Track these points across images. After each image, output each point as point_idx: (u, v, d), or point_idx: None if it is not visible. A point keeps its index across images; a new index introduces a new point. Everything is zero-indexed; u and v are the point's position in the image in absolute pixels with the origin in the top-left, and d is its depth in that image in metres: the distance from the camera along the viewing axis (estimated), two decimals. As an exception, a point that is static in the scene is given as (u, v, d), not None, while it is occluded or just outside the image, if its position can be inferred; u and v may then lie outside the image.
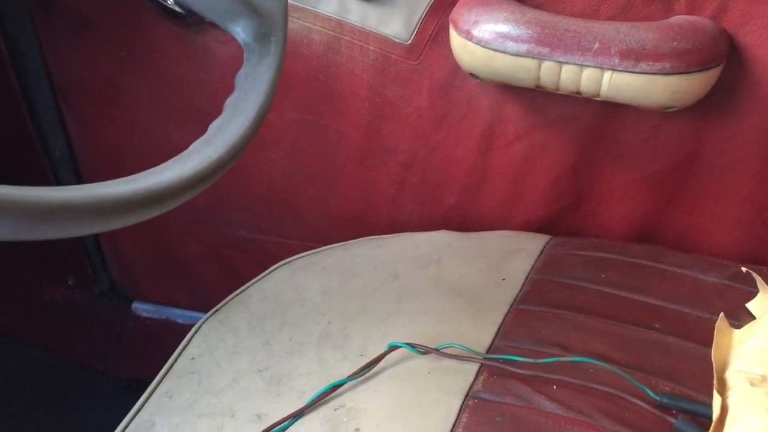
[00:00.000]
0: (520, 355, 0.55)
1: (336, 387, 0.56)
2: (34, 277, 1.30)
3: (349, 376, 0.56)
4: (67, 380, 1.30)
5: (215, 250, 1.16)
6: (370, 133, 0.91)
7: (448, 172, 0.91)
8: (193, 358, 0.65)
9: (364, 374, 0.56)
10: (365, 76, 0.87)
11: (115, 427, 1.20)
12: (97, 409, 1.26)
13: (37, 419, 1.24)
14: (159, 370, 1.32)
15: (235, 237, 1.13)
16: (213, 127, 0.43)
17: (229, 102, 0.46)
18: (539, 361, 0.54)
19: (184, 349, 0.66)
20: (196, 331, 0.68)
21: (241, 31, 0.47)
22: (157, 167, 0.39)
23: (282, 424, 0.54)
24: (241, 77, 0.48)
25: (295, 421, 0.54)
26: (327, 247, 0.82)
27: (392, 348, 0.57)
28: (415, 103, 0.87)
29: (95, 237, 1.25)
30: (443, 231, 0.83)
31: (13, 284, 1.31)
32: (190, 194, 0.39)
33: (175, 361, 0.65)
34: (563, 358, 0.54)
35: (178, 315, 1.26)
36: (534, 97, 0.81)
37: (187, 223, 1.15)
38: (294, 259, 0.79)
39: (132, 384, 1.29)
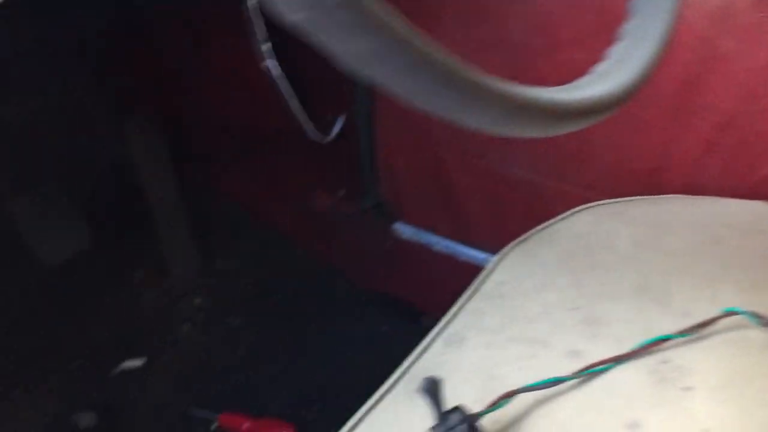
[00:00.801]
0: None
1: (662, 341, 0.53)
2: (310, 184, 1.40)
3: (677, 333, 0.53)
4: (327, 283, 1.40)
5: (486, 185, 1.17)
6: (687, 86, 0.85)
7: (768, 138, 0.83)
8: (499, 283, 0.66)
9: (694, 334, 0.54)
10: (699, 25, 0.80)
11: (364, 338, 1.28)
12: (349, 316, 1.35)
13: (295, 313, 1.35)
14: (412, 290, 1.37)
15: (509, 175, 1.13)
16: (620, 51, 0.42)
17: (628, 28, 0.44)
18: None
19: (490, 273, 0.67)
20: (501, 258, 0.69)
21: None
22: (579, 82, 0.39)
23: (603, 366, 0.52)
24: (638, 4, 0.45)
25: (616, 365, 0.53)
26: (631, 198, 0.79)
27: (728, 313, 0.53)
28: (751, 60, 0.80)
29: (371, 154, 1.31)
30: (762, 202, 0.76)
31: (290, 188, 1.43)
32: (605, 114, 0.38)
33: (482, 283, 0.66)
34: None
35: (436, 242, 1.30)
36: None
37: (465, 154, 1.16)
38: (597, 205, 0.76)
39: (385, 299, 1.36)
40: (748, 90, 0.81)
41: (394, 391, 0.57)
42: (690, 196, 0.78)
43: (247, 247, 1.46)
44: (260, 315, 1.34)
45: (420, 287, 1.34)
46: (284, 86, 1.20)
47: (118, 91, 1.33)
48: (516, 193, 1.14)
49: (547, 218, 1.14)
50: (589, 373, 0.52)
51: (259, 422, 1.11)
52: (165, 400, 1.17)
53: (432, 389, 0.46)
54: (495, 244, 1.23)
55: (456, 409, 0.48)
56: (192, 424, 1.12)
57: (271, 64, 1.19)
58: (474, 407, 0.50)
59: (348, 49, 0.25)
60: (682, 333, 0.53)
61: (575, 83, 0.39)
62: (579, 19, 0.92)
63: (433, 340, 0.60)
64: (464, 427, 0.46)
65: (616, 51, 0.43)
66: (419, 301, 1.35)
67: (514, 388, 0.51)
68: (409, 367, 0.58)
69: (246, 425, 1.11)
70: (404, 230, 1.34)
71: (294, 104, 1.20)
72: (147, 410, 1.16)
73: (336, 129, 1.23)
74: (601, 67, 0.41)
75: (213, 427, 1.12)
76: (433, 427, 0.47)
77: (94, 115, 1.31)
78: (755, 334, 0.53)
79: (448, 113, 0.30)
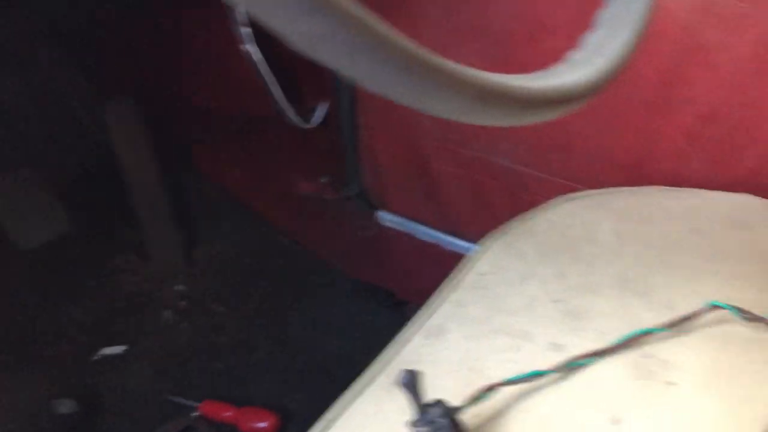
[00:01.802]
0: None
1: (645, 335, 0.53)
2: (294, 170, 1.39)
3: (660, 326, 0.53)
4: (309, 271, 1.39)
5: (470, 174, 1.17)
6: (671, 77, 0.85)
7: (756, 131, 0.83)
8: (482, 275, 0.65)
9: (677, 328, 0.54)
10: (682, 14, 0.80)
11: (347, 326, 1.27)
12: (331, 304, 1.35)
13: (277, 300, 1.35)
14: (395, 279, 1.37)
15: (493, 164, 1.12)
16: (595, 38, 0.42)
17: (606, 15, 0.44)
18: None
19: (472, 264, 0.67)
20: (483, 249, 0.69)
21: None
22: (552, 71, 0.38)
23: (584, 359, 0.52)
24: None
25: (598, 359, 0.53)
26: (612, 189, 0.79)
27: (713, 308, 0.53)
28: (734, 52, 0.79)
29: (354, 141, 1.30)
30: (747, 195, 0.76)
31: (273, 174, 1.41)
32: (579, 103, 0.38)
33: (464, 274, 0.66)
34: None
35: (421, 231, 1.29)
36: None
37: (448, 143, 1.15)
38: (578, 196, 0.76)
39: (367, 287, 1.35)
40: (731, 82, 0.81)
41: (374, 384, 0.57)
42: (672, 188, 0.78)
43: (230, 233, 1.45)
44: (243, 302, 1.33)
45: (403, 276, 1.34)
46: (264, 71, 1.18)
47: (98, 78, 1.31)
48: (499, 182, 1.13)
49: (532, 208, 1.14)
50: (571, 366, 0.52)
51: (241, 410, 1.11)
52: (146, 388, 1.17)
53: (411, 382, 0.46)
54: (479, 234, 1.22)
55: (437, 402, 0.47)
56: (173, 412, 1.12)
57: (251, 49, 1.17)
58: (455, 400, 0.50)
59: (297, 29, 0.24)
60: (665, 327, 0.53)
61: (549, 71, 0.38)
62: (562, 7, 0.92)
63: (414, 331, 0.60)
64: (445, 421, 0.46)
65: (591, 38, 0.42)
66: (402, 290, 1.35)
67: (496, 381, 0.51)
68: (389, 360, 0.57)
69: (228, 414, 1.10)
70: (387, 218, 1.33)
71: (275, 89, 1.19)
72: (127, 397, 1.15)
73: (318, 116, 1.21)
74: (576, 55, 0.41)
75: (194, 414, 1.11)
76: (413, 422, 0.47)
77: (76, 101, 1.29)
78: (739, 328, 0.53)
79: (411, 100, 0.29)
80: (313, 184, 1.38)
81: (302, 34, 0.24)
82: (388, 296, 1.34)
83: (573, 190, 0.88)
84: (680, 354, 0.52)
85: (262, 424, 1.09)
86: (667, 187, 0.80)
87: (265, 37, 1.17)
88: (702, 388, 0.48)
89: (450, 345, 0.58)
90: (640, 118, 0.91)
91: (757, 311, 0.53)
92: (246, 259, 1.41)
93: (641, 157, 0.94)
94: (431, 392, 0.54)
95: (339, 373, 1.20)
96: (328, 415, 0.54)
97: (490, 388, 0.50)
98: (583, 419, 0.48)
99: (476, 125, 1.04)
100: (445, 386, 0.54)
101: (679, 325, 0.53)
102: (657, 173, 0.93)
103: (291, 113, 1.19)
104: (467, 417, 0.50)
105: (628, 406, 0.48)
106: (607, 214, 0.72)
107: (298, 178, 1.39)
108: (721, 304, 0.53)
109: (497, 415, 0.50)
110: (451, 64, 0.30)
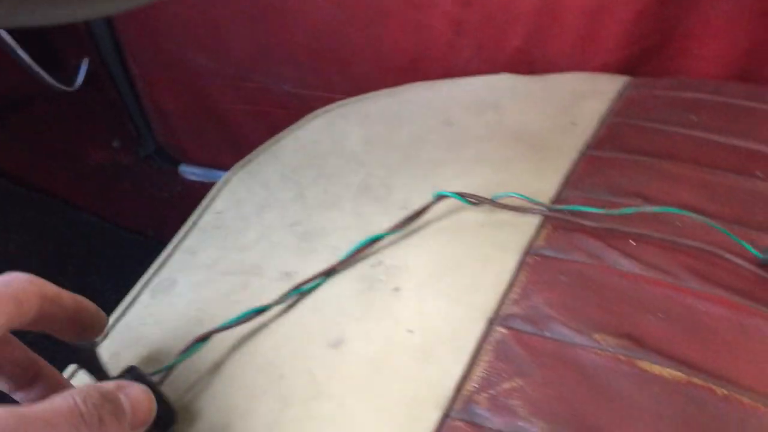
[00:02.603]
0: (592, 206, 0.46)
1: (373, 242, 0.48)
2: (80, 139, 1.26)
3: (387, 230, 0.48)
4: (119, 244, 1.29)
5: (259, 108, 1.09)
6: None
7: (512, 9, 0.80)
8: (219, 213, 0.58)
9: (406, 228, 0.49)
10: None
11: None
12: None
13: (91, 282, 1.24)
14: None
15: (279, 93, 1.05)
16: None
17: None
18: (615, 212, 0.45)
19: (209, 204, 0.60)
20: (223, 185, 0.62)
21: None
22: None
23: (312, 282, 0.47)
24: None
25: (327, 279, 0.47)
26: (372, 93, 0.73)
27: (439, 198, 0.49)
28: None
29: (137, 97, 1.19)
30: (505, 74, 0.72)
31: (59, 147, 1.28)
32: None
33: (200, 216, 0.59)
34: (645, 209, 0.45)
35: (226, 178, 1.21)
36: None
37: (230, 78, 1.07)
38: (334, 108, 0.70)
39: (183, 248, 1.26)
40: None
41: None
42: (433, 81, 0.73)
43: (27, 224, 1.31)
44: (49, 293, 1.21)
45: (217, 229, 1.26)
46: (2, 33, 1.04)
47: None
48: (288, 110, 1.06)
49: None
50: (296, 294, 0.46)
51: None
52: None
53: (83, 357, 0.39)
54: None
55: (129, 369, 0.41)
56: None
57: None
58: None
59: None
60: (393, 230, 0.48)
61: None
62: None
63: (139, 292, 0.52)
64: (136, 389, 0.39)
65: None
66: (221, 243, 1.27)
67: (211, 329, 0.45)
68: (109, 329, 0.50)
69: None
70: (191, 172, 1.24)
71: (20, 53, 1.05)
72: None
73: (81, 75, 1.09)
74: None
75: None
76: (101, 399, 0.40)
77: None
78: (468, 215, 0.49)
79: None
80: (104, 151, 1.26)
81: None
82: (207, 254, 1.25)
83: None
84: (407, 256, 0.47)
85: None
86: (429, 82, 0.75)
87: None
88: (425, 288, 0.44)
89: (176, 299, 0.51)
90: (407, 14, 0.86)
91: (489, 193, 0.49)
92: (48, 247, 1.28)
93: (416, 55, 0.89)
94: (154, 356, 0.47)
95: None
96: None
97: (202, 339, 0.44)
98: (303, 350, 0.43)
99: (254, 54, 0.94)
100: (167, 346, 0.47)
101: (408, 224, 0.49)
102: (434, 69, 0.89)
103: (48, 78, 1.06)
104: (181, 373, 0.44)
105: (352, 323, 0.43)
106: (359, 122, 0.66)
107: (87, 147, 1.27)
108: (445, 193, 0.48)
109: (218, 364, 0.44)
110: None
